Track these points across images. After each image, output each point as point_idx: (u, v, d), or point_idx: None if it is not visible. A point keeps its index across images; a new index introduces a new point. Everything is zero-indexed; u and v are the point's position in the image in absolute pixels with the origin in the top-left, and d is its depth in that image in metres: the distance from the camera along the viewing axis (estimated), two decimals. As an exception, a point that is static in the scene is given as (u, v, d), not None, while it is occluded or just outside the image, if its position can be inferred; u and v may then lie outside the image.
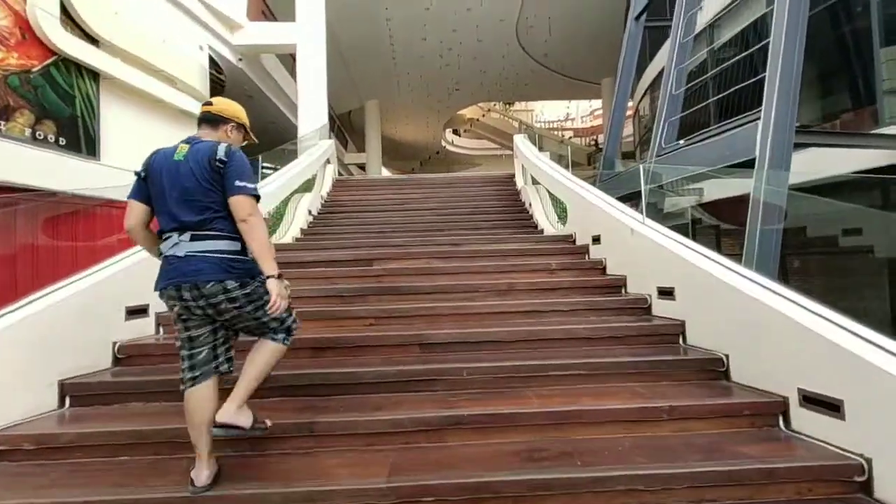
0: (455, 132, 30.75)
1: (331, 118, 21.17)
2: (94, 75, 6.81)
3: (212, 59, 10.18)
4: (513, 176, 8.28)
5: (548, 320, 2.79)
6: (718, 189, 7.69)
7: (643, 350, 2.45)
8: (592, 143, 25.60)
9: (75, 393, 2.18)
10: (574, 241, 4.14)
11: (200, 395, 1.62)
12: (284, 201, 6.01)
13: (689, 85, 7.96)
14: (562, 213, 5.68)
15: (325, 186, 7.55)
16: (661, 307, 2.78)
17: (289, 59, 12.49)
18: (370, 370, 2.22)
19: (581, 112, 35.03)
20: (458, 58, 18.99)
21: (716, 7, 8.36)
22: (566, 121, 36.20)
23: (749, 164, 5.57)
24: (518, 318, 2.83)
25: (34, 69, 5.94)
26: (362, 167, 22.90)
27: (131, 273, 2.63)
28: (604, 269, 3.53)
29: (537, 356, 2.38)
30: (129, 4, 7.46)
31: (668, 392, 2.08)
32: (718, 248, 8.17)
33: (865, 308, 6.15)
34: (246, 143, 1.91)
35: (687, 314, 2.55)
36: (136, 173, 1.73)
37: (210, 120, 1.79)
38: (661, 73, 12.51)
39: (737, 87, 6.70)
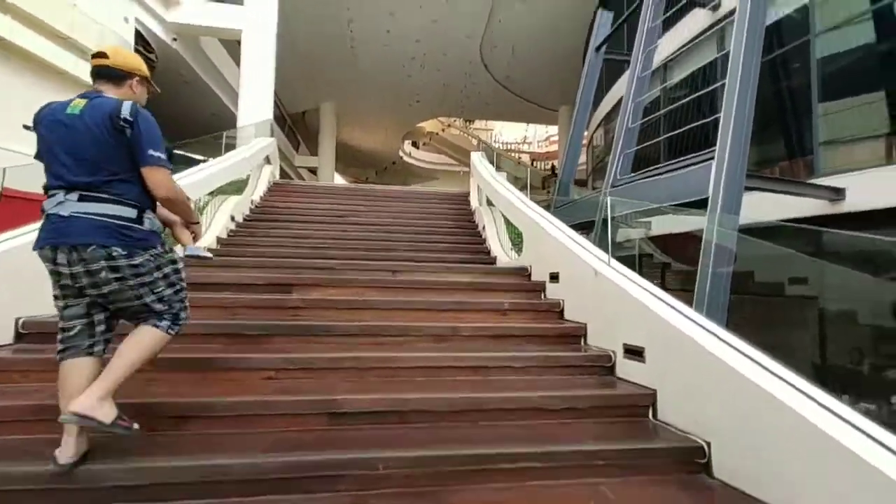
0: (414, 144, 30.34)
1: (282, 116, 20.09)
2: (-27, 33, 5.62)
3: (140, 35, 9.04)
4: (468, 194, 7.87)
5: (496, 381, 2.27)
6: (667, 224, 7.74)
7: (609, 429, 1.99)
8: (548, 168, 26.15)
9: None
10: (529, 276, 3.70)
11: (68, 371, 1.50)
12: (199, 204, 5.15)
13: (645, 119, 8.00)
14: (517, 240, 5.29)
15: (258, 189, 6.70)
16: (627, 368, 2.35)
17: (236, 48, 11.47)
18: (241, 463, 1.56)
19: (538, 137, 36.00)
20: (420, 69, 18.66)
21: (670, 47, 8.58)
22: (523, 143, 37.04)
23: (701, 204, 5.52)
24: (460, 376, 2.29)
25: None
26: (314, 171, 21.75)
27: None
28: (561, 311, 3.10)
29: (481, 438, 1.84)
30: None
31: (642, 498, 1.62)
32: (663, 282, 8.22)
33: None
34: (148, 96, 1.74)
35: (659, 382, 2.13)
36: (25, 126, 1.64)
37: (110, 75, 1.60)
38: (616, 105, 12.85)
39: (689, 125, 6.75)
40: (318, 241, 4.83)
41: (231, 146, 7.33)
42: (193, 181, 4.32)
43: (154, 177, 1.52)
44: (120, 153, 1.50)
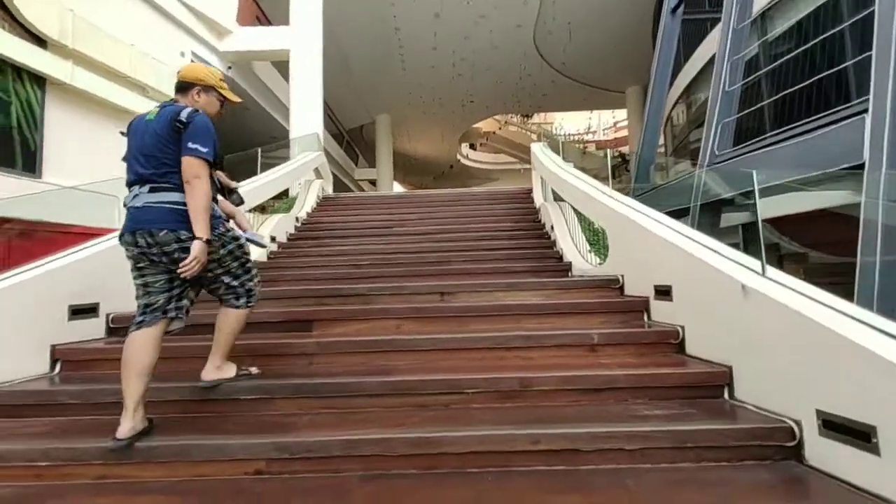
0: (471, 146, 29.69)
1: (339, 133, 20.50)
2: (40, 80, 5.88)
3: (197, 68, 9.32)
4: (530, 191, 6.93)
5: (596, 482, 1.40)
6: (783, 204, 6.14)
7: None
8: (617, 155, 24.04)
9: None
10: (621, 289, 2.75)
11: (141, 340, 1.64)
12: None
13: (748, 80, 6.50)
14: (595, 240, 4.29)
15: (306, 205, 6.37)
16: (839, 462, 1.35)
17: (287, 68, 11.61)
18: None
19: (603, 124, 33.57)
20: (471, 68, 17.95)
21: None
22: (587, 133, 34.75)
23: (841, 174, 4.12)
24: (537, 476, 1.45)
25: (-46, 70, 5.02)
26: (374, 183, 21.94)
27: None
28: (681, 343, 2.13)
29: None
30: (90, 3, 6.59)
31: None
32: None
33: None
34: (223, 103, 1.96)
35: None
36: (122, 133, 1.83)
37: (179, 88, 1.88)
38: (698, 76, 11.08)
39: (814, 77, 5.24)
40: (358, 258, 4.23)
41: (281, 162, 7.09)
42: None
43: (185, 163, 1.67)
44: (176, 149, 1.68)
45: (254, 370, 1.94)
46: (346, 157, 19.64)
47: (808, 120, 4.97)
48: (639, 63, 17.51)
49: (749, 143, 6.27)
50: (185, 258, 1.62)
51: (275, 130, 13.52)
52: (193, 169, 1.66)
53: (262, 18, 10.65)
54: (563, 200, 5.13)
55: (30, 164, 5.75)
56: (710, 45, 10.00)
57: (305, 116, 9.05)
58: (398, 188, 27.80)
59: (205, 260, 1.65)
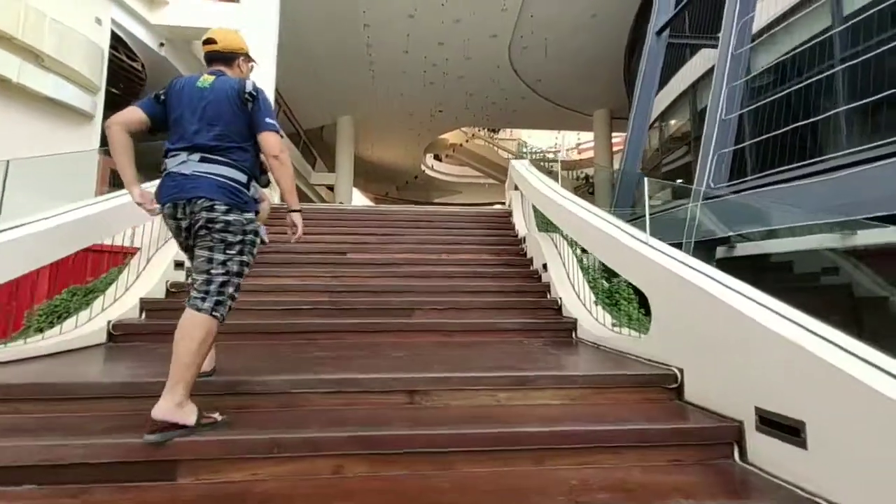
0: (436, 157, 28.91)
1: (297, 133, 18.96)
2: None
3: (121, 41, 7.78)
4: (509, 215, 6.07)
5: None
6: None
7: None
8: (581, 176, 24.13)
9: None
10: (678, 390, 1.84)
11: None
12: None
13: (750, 106, 6.02)
14: (613, 298, 3.42)
15: (239, 217, 5.12)
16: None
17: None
18: None
19: (567, 144, 33.96)
20: (443, 76, 17.17)
21: (776, 9, 6.49)
22: (550, 152, 35.03)
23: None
24: None
25: None
26: (332, 188, 20.50)
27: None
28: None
29: None
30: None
31: None
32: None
33: None
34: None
35: None
36: (156, 94, 1.74)
37: (221, 58, 1.80)
38: (671, 104, 10.85)
39: (845, 105, 4.73)
40: (297, 300, 3.12)
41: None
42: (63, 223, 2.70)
43: (268, 140, 1.67)
44: (242, 124, 1.66)
45: (218, 417, 1.52)
46: (301, 160, 18.12)
47: (828, 157, 4.45)
48: (608, 87, 17.53)
49: (749, 178, 5.76)
50: (202, 228, 1.57)
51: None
52: (278, 144, 1.68)
53: (208, -7, 9.23)
54: (555, 232, 4.28)
55: None
56: (688, 70, 9.80)
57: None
58: (358, 196, 26.42)
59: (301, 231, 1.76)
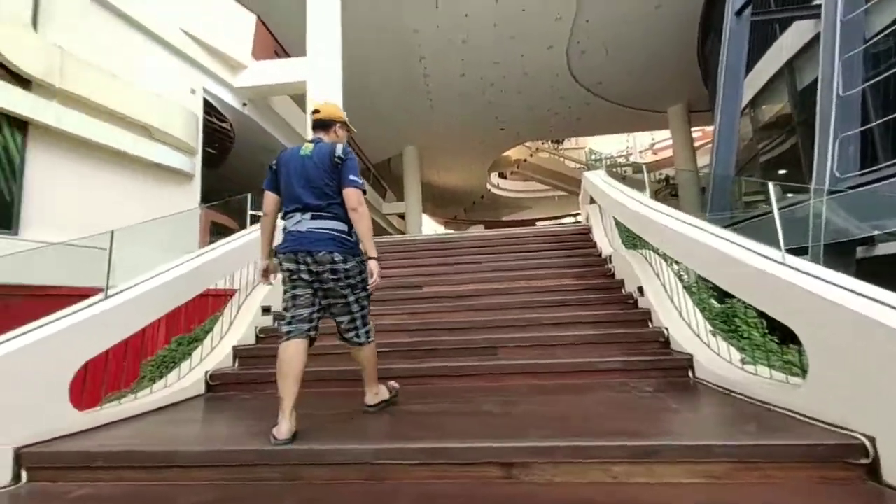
0: (501, 175, 28.71)
1: (367, 168, 19.94)
2: (20, 124, 5.20)
3: (211, 105, 8.73)
4: (586, 231, 5.62)
5: None
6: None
7: None
8: (661, 178, 22.37)
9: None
10: (872, 465, 1.37)
11: (294, 350, 1.89)
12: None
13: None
14: (729, 322, 2.90)
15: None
16: None
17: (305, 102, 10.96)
18: None
19: (640, 146, 31.91)
20: (501, 94, 17.10)
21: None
22: (620, 156, 33.11)
23: None
24: None
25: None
26: (403, 216, 21.13)
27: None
28: None
29: None
30: (83, 38, 6.00)
31: None
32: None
33: None
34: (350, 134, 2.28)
35: None
36: (270, 166, 2.09)
37: (322, 125, 2.16)
38: (763, 88, 9.59)
39: None
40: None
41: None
42: (179, 275, 2.85)
43: (350, 194, 1.95)
44: (336, 182, 1.97)
45: (393, 384, 2.30)
46: (373, 192, 18.96)
47: None
48: (680, 80, 16.19)
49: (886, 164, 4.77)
50: (331, 279, 1.93)
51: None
52: (358, 198, 1.96)
53: (280, 51, 10.12)
54: (645, 246, 3.80)
55: (5, 219, 4.99)
56: (780, 47, 8.61)
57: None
58: (427, 221, 26.98)
59: (378, 277, 1.96)
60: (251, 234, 3.83)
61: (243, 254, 3.63)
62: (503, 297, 3.84)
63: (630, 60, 15.17)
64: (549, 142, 27.23)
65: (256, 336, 3.58)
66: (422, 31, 13.35)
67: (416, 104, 17.14)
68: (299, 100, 10.43)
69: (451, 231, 25.18)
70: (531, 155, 25.93)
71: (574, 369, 2.59)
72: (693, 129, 18.22)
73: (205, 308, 4.17)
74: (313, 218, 1.92)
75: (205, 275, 3.16)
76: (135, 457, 1.73)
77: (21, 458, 1.75)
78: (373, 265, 1.93)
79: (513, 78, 16.11)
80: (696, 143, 18.77)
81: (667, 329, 2.88)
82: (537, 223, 23.88)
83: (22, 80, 5.19)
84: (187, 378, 2.93)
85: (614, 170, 24.60)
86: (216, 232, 7.52)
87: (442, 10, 12.64)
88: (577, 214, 10.16)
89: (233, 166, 10.70)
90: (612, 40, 14.18)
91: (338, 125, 2.17)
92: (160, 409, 2.51)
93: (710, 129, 19.02)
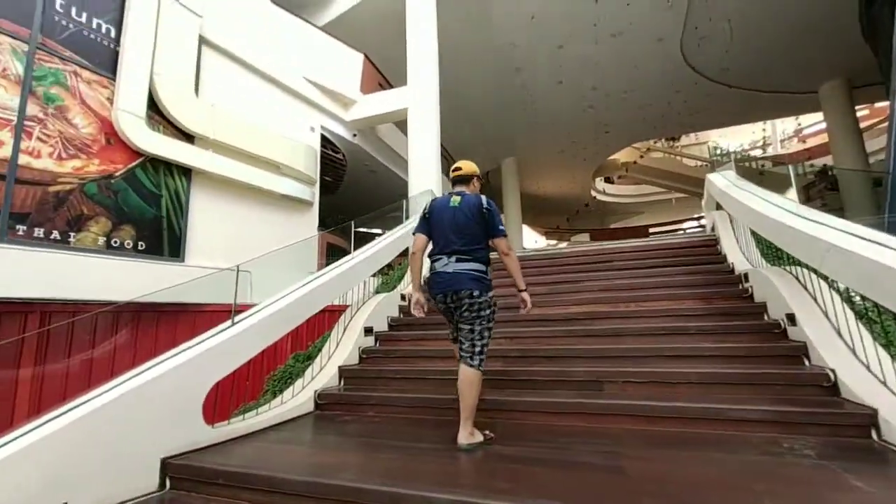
0: (607, 180, 26.88)
1: (466, 182, 20.30)
2: (186, 171, 6.37)
3: (326, 139, 9.73)
4: (713, 243, 4.85)
5: None
6: None
7: None
8: (812, 169, 18.65)
9: None
10: None
11: (465, 371, 2.25)
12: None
13: None
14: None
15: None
16: None
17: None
18: None
19: (780, 135, 27.18)
20: (605, 97, 16.07)
21: None
22: (754, 149, 28.51)
23: None
24: None
25: (117, 173, 5.57)
26: (502, 229, 20.99)
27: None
28: None
29: None
30: (229, 95, 7.17)
31: None
32: None
33: None
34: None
35: None
36: (423, 213, 2.50)
37: (462, 180, 2.55)
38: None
39: None
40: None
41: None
42: (294, 300, 3.11)
43: (500, 243, 2.36)
44: (481, 230, 2.34)
45: (489, 433, 2.27)
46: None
47: None
48: (834, 52, 13.36)
49: None
50: (464, 306, 2.28)
51: (401, 189, 13.69)
52: (507, 244, 2.37)
53: (384, 82, 10.89)
54: (795, 262, 3.10)
55: (175, 249, 6.12)
56: None
57: (423, 172, 8.53)
58: (528, 232, 26.40)
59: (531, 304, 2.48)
60: (356, 259, 4.08)
61: (347, 279, 3.87)
62: (610, 321, 3.47)
63: (763, 38, 13.07)
64: (663, 140, 24.74)
65: (360, 356, 3.76)
66: (518, 44, 13.26)
67: (513, 116, 17.02)
68: (401, 125, 11.09)
69: (554, 243, 24.22)
70: (641, 156, 23.84)
71: (701, 416, 2.18)
72: (857, 108, 14.91)
73: (322, 323, 4.56)
74: (458, 261, 2.28)
75: (317, 298, 3.43)
76: (249, 479, 1.88)
77: (167, 467, 2.02)
78: (525, 296, 2.41)
79: (617, 78, 15.05)
80: (863, 125, 15.26)
81: (833, 371, 2.27)
82: (650, 230, 21.64)
83: (188, 136, 6.38)
84: (300, 395, 3.18)
85: (746, 164, 21.19)
86: (331, 252, 8.32)
87: (538, 20, 12.41)
88: (701, 218, 8.94)
89: (341, 190, 11.76)
90: (738, 18, 12.39)
91: (475, 178, 2.57)
92: (277, 425, 2.74)
93: (883, 105, 15.41)
